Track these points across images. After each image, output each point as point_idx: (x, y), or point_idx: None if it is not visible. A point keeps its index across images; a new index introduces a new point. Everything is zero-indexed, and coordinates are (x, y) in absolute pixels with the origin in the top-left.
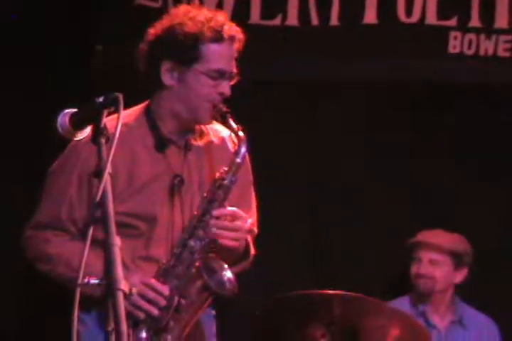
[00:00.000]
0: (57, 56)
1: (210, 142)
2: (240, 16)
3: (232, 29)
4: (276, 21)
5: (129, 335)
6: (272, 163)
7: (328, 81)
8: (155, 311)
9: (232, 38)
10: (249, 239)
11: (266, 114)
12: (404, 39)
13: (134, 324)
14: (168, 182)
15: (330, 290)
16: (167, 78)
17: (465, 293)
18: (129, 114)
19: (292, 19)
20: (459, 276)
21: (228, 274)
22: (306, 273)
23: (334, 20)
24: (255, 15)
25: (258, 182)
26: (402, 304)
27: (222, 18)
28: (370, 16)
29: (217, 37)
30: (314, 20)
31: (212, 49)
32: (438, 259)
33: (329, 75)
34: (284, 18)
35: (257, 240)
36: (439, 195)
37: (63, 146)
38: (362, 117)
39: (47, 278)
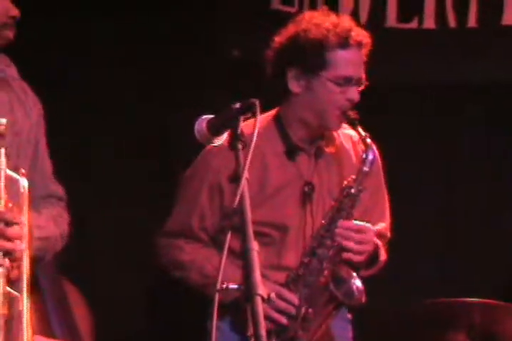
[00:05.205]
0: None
1: (341, 148)
2: (376, 20)
3: (359, 34)
4: (413, 24)
5: None
6: (406, 169)
7: (469, 83)
8: (284, 320)
9: (359, 44)
10: (381, 243)
11: (403, 118)
12: None
13: None
14: (298, 189)
15: (469, 297)
16: (294, 85)
17: None
18: (259, 121)
19: (429, 22)
20: None
21: (357, 283)
22: (440, 279)
23: (472, 22)
24: (392, 19)
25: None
26: None
27: (348, 23)
28: (509, 17)
29: (344, 43)
30: (452, 23)
31: (338, 55)
32: None
33: (468, 77)
34: (421, 20)
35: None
36: None
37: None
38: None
39: (181, 284)
